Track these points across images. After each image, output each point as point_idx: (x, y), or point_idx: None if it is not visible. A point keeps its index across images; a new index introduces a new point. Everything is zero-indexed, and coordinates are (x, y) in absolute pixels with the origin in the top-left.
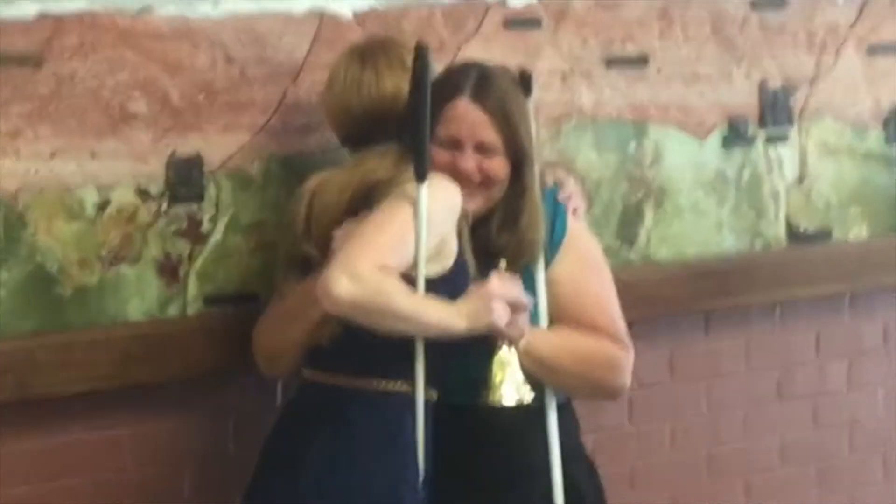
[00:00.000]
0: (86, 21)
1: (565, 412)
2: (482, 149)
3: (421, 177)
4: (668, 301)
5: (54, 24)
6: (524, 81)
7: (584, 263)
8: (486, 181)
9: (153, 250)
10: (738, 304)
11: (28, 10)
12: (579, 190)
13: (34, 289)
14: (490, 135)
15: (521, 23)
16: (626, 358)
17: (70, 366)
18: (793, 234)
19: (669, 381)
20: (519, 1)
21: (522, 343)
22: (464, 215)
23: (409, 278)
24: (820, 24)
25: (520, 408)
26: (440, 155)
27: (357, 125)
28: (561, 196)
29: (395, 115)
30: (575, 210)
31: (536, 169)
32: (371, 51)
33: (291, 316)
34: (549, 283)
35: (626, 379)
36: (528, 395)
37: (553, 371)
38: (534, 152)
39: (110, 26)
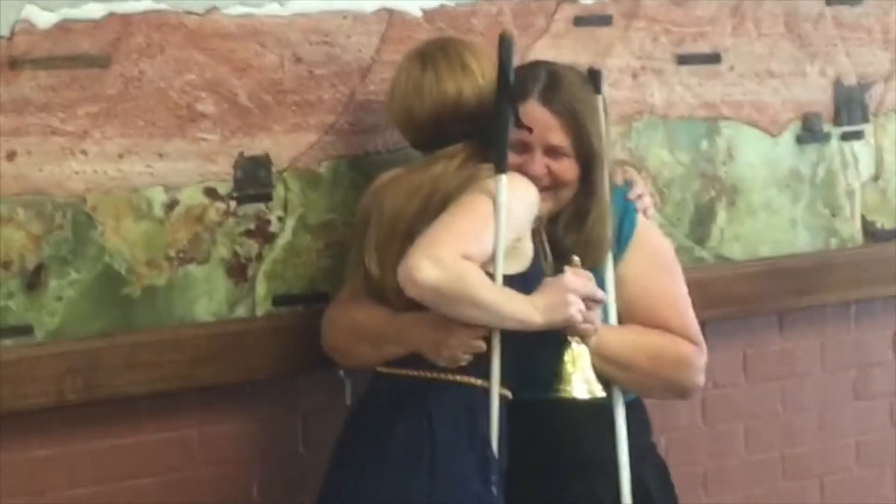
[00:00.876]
0: (153, 21)
1: (635, 410)
2: (551, 151)
3: (501, 169)
4: (741, 300)
5: (121, 24)
6: (593, 79)
7: (653, 262)
8: (556, 183)
9: (221, 250)
10: (813, 303)
11: (95, 10)
12: (649, 189)
13: (103, 289)
14: (559, 137)
15: (591, 20)
16: (698, 356)
17: (138, 366)
18: (868, 232)
19: (743, 382)
20: None
21: (594, 340)
22: (538, 217)
23: (486, 273)
24: (895, 20)
25: (589, 404)
26: (510, 157)
27: (422, 129)
28: (631, 195)
29: (459, 116)
30: (645, 210)
31: (606, 169)
32: (431, 53)
33: (367, 340)
34: (618, 282)
35: (700, 378)
36: (599, 391)
37: (624, 368)
38: (603, 153)
39: (178, 26)
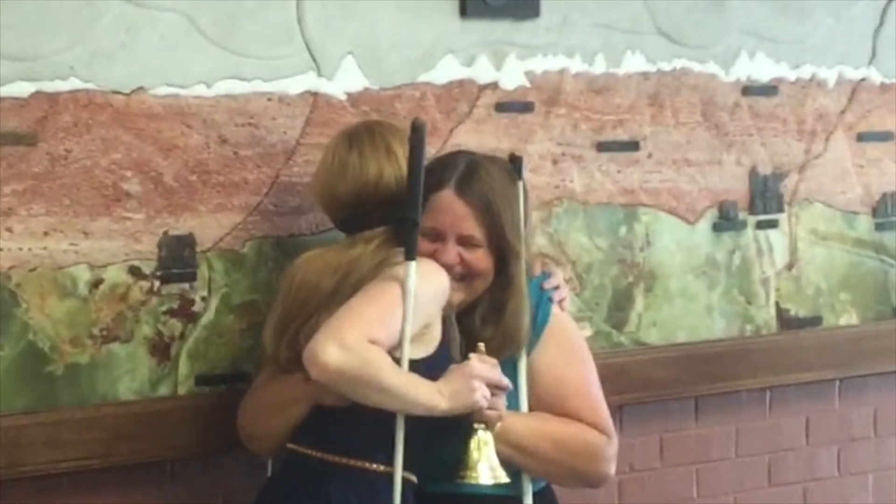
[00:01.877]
0: (80, 100)
1: (545, 498)
2: (464, 242)
3: (411, 256)
4: (658, 385)
5: (48, 103)
6: (515, 165)
7: (565, 352)
8: (469, 274)
9: (145, 329)
10: (729, 389)
11: (23, 89)
12: (565, 282)
13: (26, 366)
14: (472, 228)
15: (512, 106)
16: (608, 446)
17: (60, 444)
18: (783, 319)
19: (660, 465)
20: (511, 84)
21: (499, 426)
22: (450, 304)
23: (393, 358)
24: (810, 111)
25: (498, 497)
26: (423, 245)
27: (344, 209)
28: (547, 285)
29: (379, 199)
30: (561, 301)
31: (522, 261)
32: (358, 134)
33: (272, 409)
34: (530, 371)
35: (609, 467)
36: (503, 476)
37: (530, 456)
38: (521, 244)
39: (104, 105)
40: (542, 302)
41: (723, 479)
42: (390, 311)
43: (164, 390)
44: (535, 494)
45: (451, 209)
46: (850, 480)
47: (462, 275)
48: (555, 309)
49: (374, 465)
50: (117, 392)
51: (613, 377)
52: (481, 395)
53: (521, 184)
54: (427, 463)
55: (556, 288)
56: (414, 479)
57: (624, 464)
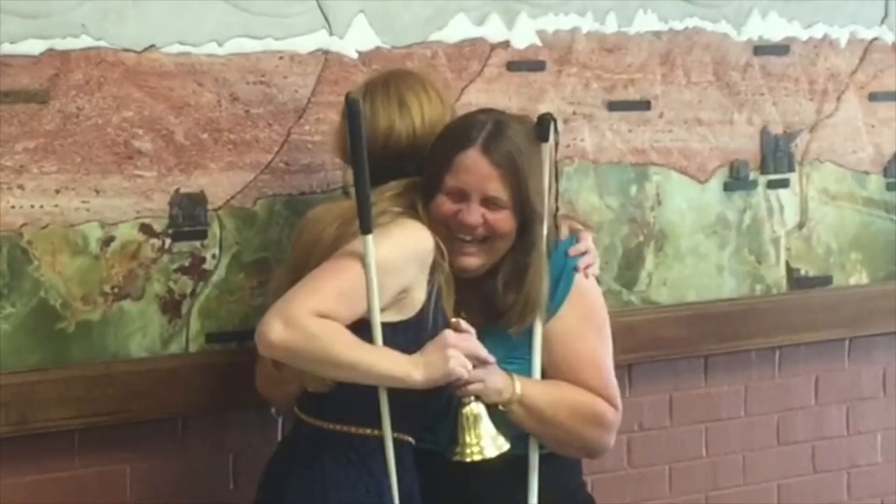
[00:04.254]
0: (91, 58)
1: (556, 456)
2: (488, 202)
3: (365, 230)
4: (668, 344)
5: (60, 61)
6: (542, 126)
7: (582, 322)
8: (490, 235)
9: (156, 287)
10: (738, 348)
11: (34, 47)
12: (594, 247)
13: (37, 323)
14: (498, 189)
15: (524, 65)
16: (614, 418)
17: (71, 401)
18: (793, 279)
19: (669, 424)
20: (522, 42)
21: (518, 391)
22: (465, 268)
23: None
24: (822, 71)
25: (507, 457)
26: (446, 205)
27: None
28: (573, 250)
29: (388, 153)
30: (587, 267)
31: (545, 225)
32: (373, 85)
33: (272, 381)
34: (546, 338)
35: (611, 439)
36: (505, 444)
37: (545, 422)
38: (543, 208)
39: (116, 63)
40: (567, 270)
41: (732, 438)
42: (349, 284)
43: (174, 348)
44: (545, 455)
45: (477, 169)
46: (859, 439)
47: (484, 236)
48: (579, 277)
49: (369, 430)
50: (128, 349)
51: (623, 336)
52: (456, 363)
53: (548, 145)
54: (441, 428)
55: (584, 253)
56: (410, 439)
57: (633, 422)
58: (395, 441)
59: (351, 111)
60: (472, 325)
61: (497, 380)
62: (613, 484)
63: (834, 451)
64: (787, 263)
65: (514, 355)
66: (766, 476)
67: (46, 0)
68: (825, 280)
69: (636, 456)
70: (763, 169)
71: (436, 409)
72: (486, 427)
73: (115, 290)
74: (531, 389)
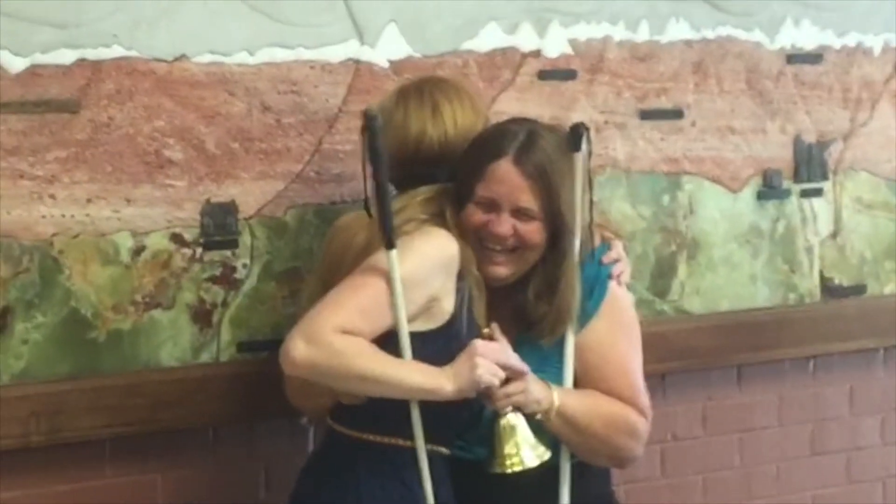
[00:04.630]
0: (123, 67)
1: (588, 466)
2: (519, 214)
3: (389, 245)
4: (701, 354)
5: (92, 70)
6: (574, 136)
7: (614, 331)
8: (521, 246)
9: (187, 296)
10: (772, 357)
11: (66, 56)
12: (626, 255)
13: (68, 333)
14: (529, 201)
15: (555, 74)
16: (645, 428)
17: (102, 410)
18: (826, 288)
19: (702, 434)
20: (554, 51)
21: (556, 401)
22: (494, 277)
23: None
24: (855, 79)
25: (538, 467)
26: (476, 215)
27: (392, 165)
28: (606, 258)
29: (420, 158)
30: (620, 275)
31: (577, 238)
32: (407, 90)
33: (302, 393)
34: (578, 346)
35: (641, 449)
36: (546, 453)
37: (581, 432)
38: (574, 221)
39: (147, 73)
40: (601, 278)
41: (765, 448)
42: (372, 300)
43: (205, 357)
44: (576, 464)
45: (509, 179)
46: (894, 449)
47: (513, 247)
48: (612, 285)
49: (402, 441)
50: (159, 359)
51: (656, 345)
52: (485, 371)
53: (581, 154)
54: (476, 435)
55: (616, 261)
56: (444, 450)
57: (666, 432)
58: (429, 452)
59: (369, 126)
60: (505, 333)
61: (537, 389)
62: (647, 494)
63: (869, 460)
64: (821, 272)
65: (546, 364)
66: (801, 486)
67: (78, 10)
68: (859, 289)
69: (670, 466)
70: (796, 178)
71: (468, 418)
72: (525, 437)
73: (146, 299)
74: (568, 399)
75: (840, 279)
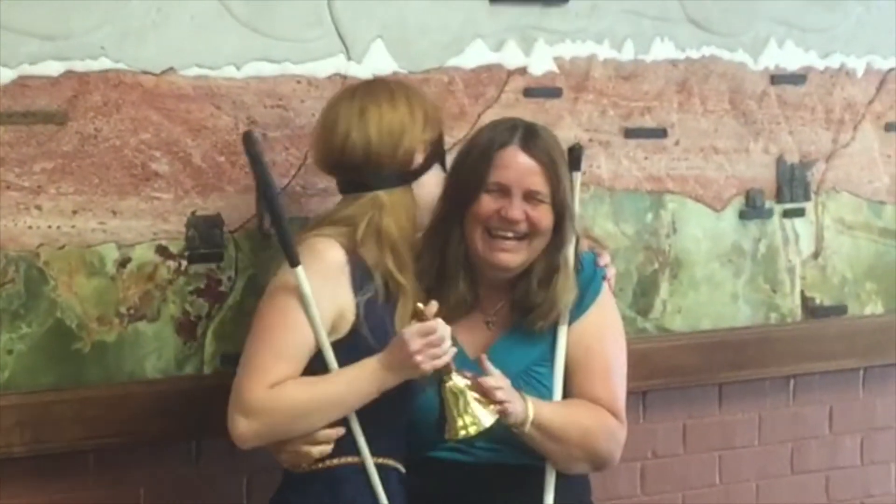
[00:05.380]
0: (110, 80)
1: (577, 475)
2: (530, 197)
3: (293, 262)
4: (682, 372)
5: (79, 82)
6: (573, 156)
7: (604, 330)
8: (532, 231)
9: (172, 308)
10: (752, 376)
11: (54, 68)
12: (612, 264)
13: (53, 344)
14: (539, 183)
15: (540, 91)
16: (621, 432)
17: (86, 421)
18: (808, 308)
19: (682, 452)
20: (539, 69)
21: (531, 413)
22: (505, 267)
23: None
24: (838, 101)
25: (521, 469)
26: (488, 202)
27: (325, 170)
28: (601, 261)
29: (345, 163)
30: (609, 279)
31: (575, 223)
32: (345, 91)
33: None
34: (568, 339)
35: (619, 453)
36: (488, 420)
37: (557, 441)
38: (574, 206)
39: (134, 85)
40: (596, 277)
41: (745, 467)
42: (281, 343)
43: (190, 369)
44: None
45: (519, 164)
46: (873, 469)
47: (525, 233)
48: (606, 287)
49: (340, 460)
50: (144, 371)
51: (637, 363)
52: (422, 358)
53: (578, 175)
54: (424, 436)
55: (606, 265)
56: (400, 467)
57: (647, 450)
58: (380, 466)
59: (248, 149)
60: (503, 327)
61: (516, 404)
62: None
63: (848, 480)
64: (802, 292)
65: (543, 359)
66: None
67: (66, 22)
68: (840, 309)
69: (650, 483)
70: (779, 198)
71: (406, 422)
72: (473, 399)
73: (131, 311)
74: (543, 409)
75: (821, 299)
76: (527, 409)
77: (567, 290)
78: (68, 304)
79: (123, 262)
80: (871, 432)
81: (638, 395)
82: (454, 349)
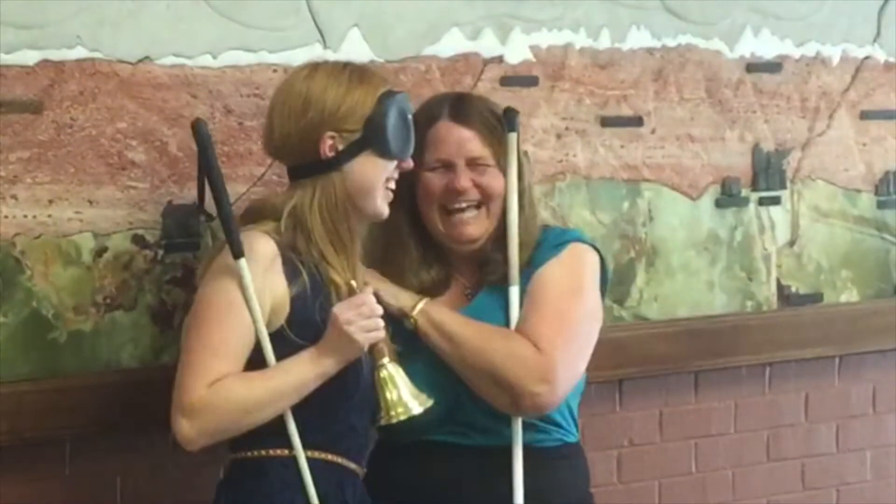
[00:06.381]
0: (86, 69)
1: (576, 458)
2: (474, 164)
3: (237, 253)
4: (658, 360)
5: (55, 71)
6: (508, 118)
7: (563, 276)
8: (485, 196)
9: (148, 297)
10: (728, 364)
11: (29, 57)
12: None
13: (29, 333)
14: (478, 148)
15: (517, 80)
16: (536, 359)
17: (62, 411)
18: (783, 296)
19: (659, 440)
20: (516, 58)
21: (421, 304)
22: (470, 238)
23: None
24: (814, 89)
25: (493, 447)
26: (433, 180)
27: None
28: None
29: (269, 149)
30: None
31: (526, 181)
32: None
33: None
34: (528, 288)
35: (534, 384)
36: (428, 400)
37: (453, 343)
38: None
39: (110, 74)
40: (569, 237)
41: (721, 454)
42: (216, 339)
43: (166, 358)
44: (566, 451)
45: (452, 135)
46: (849, 457)
47: (479, 201)
48: (582, 247)
49: (284, 452)
50: (120, 360)
51: (613, 351)
52: (354, 328)
53: (514, 136)
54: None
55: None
56: (352, 465)
57: (623, 438)
58: (314, 460)
59: (200, 134)
60: (470, 295)
61: (403, 295)
62: (603, 498)
63: (823, 468)
64: (778, 280)
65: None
66: (756, 492)
67: (41, 11)
68: (816, 297)
69: (626, 471)
70: (755, 186)
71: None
72: (406, 385)
73: (108, 300)
74: (442, 309)
75: (797, 287)
76: (417, 299)
77: (514, 246)
78: (44, 293)
79: (100, 252)
80: (846, 420)
81: (614, 384)
82: (383, 332)
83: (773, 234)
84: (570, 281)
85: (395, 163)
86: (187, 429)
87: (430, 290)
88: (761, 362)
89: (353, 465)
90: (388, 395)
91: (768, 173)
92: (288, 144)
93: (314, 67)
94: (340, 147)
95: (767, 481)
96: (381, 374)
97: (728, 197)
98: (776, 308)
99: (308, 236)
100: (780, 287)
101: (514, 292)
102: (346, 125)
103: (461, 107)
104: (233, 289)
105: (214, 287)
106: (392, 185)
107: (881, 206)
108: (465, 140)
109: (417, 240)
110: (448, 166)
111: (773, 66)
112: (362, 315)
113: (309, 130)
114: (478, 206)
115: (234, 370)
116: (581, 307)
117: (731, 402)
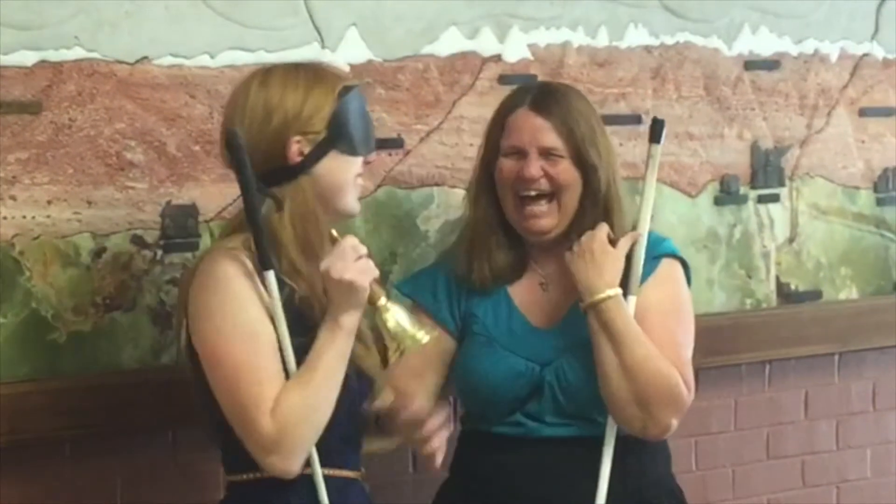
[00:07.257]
0: (84, 69)
1: (660, 442)
2: (546, 154)
3: (266, 265)
4: None
5: (53, 72)
6: (655, 130)
7: (667, 303)
8: (555, 187)
9: (148, 298)
10: (728, 362)
11: (27, 58)
12: None
13: (29, 334)
14: (551, 139)
15: (515, 79)
16: (686, 399)
17: (62, 412)
18: (783, 293)
19: None
20: (514, 56)
21: (613, 293)
22: (540, 231)
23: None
24: (812, 86)
25: (575, 438)
26: (507, 166)
27: None
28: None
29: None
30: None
31: (615, 181)
32: None
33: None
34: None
35: (673, 421)
36: (433, 331)
37: (616, 342)
38: (600, 161)
39: (108, 75)
40: (666, 241)
41: (721, 452)
42: (255, 360)
43: (166, 359)
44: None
45: (528, 123)
46: (849, 454)
47: (549, 192)
48: (673, 262)
49: (346, 472)
50: (120, 360)
51: None
52: (360, 277)
53: (658, 147)
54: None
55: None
56: (352, 474)
57: None
58: (330, 477)
59: (233, 143)
60: (563, 292)
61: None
62: None
63: (823, 465)
64: (777, 278)
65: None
66: (756, 490)
67: (40, 11)
68: (815, 295)
69: None
70: (753, 183)
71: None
72: (408, 318)
73: (107, 301)
74: (612, 305)
75: (796, 284)
76: (615, 290)
77: (640, 259)
78: (44, 294)
79: (99, 252)
80: (846, 417)
81: None
82: (376, 270)
83: (772, 231)
84: (671, 305)
85: (361, 159)
86: (280, 463)
87: (506, 274)
88: (761, 360)
89: (352, 474)
90: (393, 329)
91: (767, 171)
92: (255, 155)
93: (266, 73)
94: (307, 150)
95: (767, 479)
96: (384, 314)
97: (727, 194)
98: (776, 306)
99: (278, 247)
100: (779, 284)
101: (632, 302)
102: (311, 127)
103: (543, 97)
104: (239, 311)
105: (224, 320)
106: (361, 182)
107: (880, 203)
108: (540, 129)
109: (500, 222)
110: (521, 153)
111: (772, 64)
112: (350, 259)
113: (275, 137)
114: (549, 199)
115: (280, 385)
116: (687, 333)
117: (730, 399)
